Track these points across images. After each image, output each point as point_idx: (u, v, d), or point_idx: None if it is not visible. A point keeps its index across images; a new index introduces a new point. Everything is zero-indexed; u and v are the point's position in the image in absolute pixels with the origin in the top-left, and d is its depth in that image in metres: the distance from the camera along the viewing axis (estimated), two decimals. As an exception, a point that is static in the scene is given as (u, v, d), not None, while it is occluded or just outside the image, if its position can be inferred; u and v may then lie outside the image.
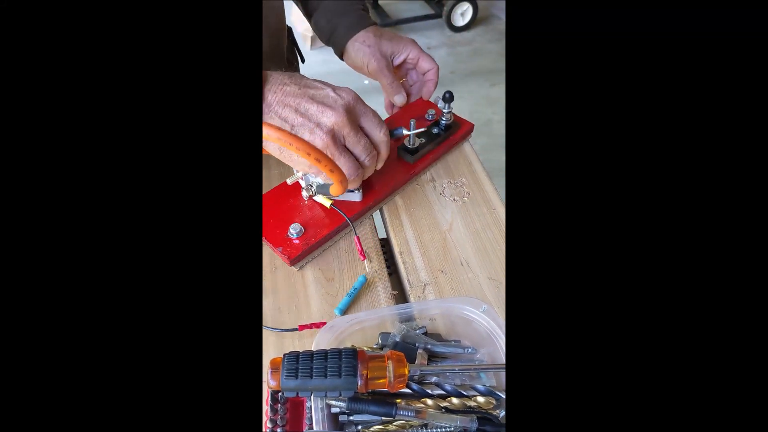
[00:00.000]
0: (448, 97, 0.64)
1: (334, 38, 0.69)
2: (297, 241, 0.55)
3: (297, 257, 0.54)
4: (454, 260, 0.56)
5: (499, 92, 2.44)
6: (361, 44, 0.66)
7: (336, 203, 0.58)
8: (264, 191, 0.61)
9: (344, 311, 0.51)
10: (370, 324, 0.48)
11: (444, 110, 0.66)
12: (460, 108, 2.67)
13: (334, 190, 0.50)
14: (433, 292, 0.52)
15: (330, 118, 0.45)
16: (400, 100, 0.69)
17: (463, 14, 2.90)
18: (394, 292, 0.53)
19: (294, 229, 0.55)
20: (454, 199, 0.63)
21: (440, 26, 2.96)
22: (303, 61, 0.84)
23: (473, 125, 0.70)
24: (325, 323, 0.49)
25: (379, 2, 2.96)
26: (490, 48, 2.80)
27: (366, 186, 0.61)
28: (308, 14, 0.73)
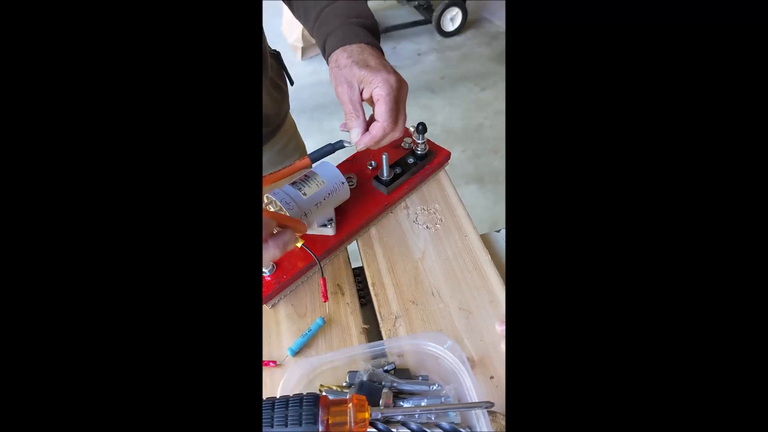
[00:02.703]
0: (421, 129, 0.64)
1: (325, 54, 0.62)
2: (269, 278, 0.55)
3: (269, 295, 0.55)
4: (425, 290, 0.56)
5: (489, 96, 2.44)
6: (333, 63, 0.59)
7: (310, 238, 0.59)
8: None
9: (296, 353, 0.51)
10: (340, 363, 0.48)
11: (418, 140, 0.66)
12: (450, 114, 2.61)
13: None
14: (404, 325, 0.53)
15: None
16: (353, 135, 0.57)
17: (452, 19, 2.91)
18: (366, 326, 0.54)
19: (266, 267, 0.55)
20: (427, 227, 0.63)
21: (430, 32, 2.96)
22: (292, 83, 0.84)
23: (449, 153, 0.70)
24: (274, 362, 0.50)
25: (368, 10, 2.97)
26: (480, 52, 2.80)
27: (340, 219, 0.61)
28: (310, 29, 0.65)
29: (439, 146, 0.71)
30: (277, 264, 0.56)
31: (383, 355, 0.49)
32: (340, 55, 0.58)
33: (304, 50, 2.75)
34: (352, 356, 0.48)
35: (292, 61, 2.73)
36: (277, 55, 0.79)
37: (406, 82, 0.57)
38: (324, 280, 0.56)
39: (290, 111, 0.87)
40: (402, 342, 0.48)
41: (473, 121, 2.29)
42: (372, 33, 0.60)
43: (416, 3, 3.02)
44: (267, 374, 0.50)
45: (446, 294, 0.56)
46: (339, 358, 0.47)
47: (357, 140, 0.57)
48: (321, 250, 0.59)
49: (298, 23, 0.75)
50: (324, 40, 0.61)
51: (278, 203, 0.54)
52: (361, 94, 0.56)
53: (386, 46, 2.91)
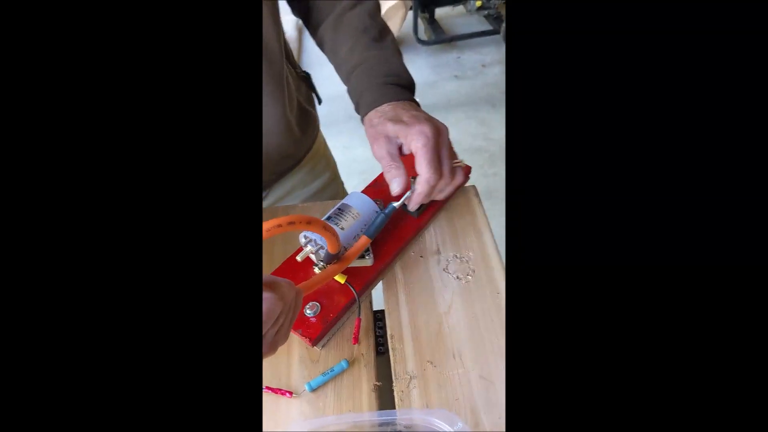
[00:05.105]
0: None
1: (360, 114, 0.64)
2: (314, 320, 0.53)
3: (318, 337, 0.52)
4: (446, 350, 0.52)
5: (552, 115, 2.34)
6: (368, 124, 0.59)
7: (348, 271, 0.56)
8: (270, 271, 0.59)
9: (315, 389, 0.50)
10: (345, 426, 0.46)
11: None
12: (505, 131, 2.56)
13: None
14: (418, 387, 0.50)
15: None
16: (394, 188, 0.56)
17: (521, 31, 2.81)
18: (378, 384, 0.51)
19: (311, 309, 0.53)
20: (457, 277, 0.59)
21: (497, 42, 2.88)
22: (320, 102, 0.83)
23: (470, 167, 0.66)
24: (291, 393, 0.49)
25: (436, 17, 2.92)
26: (548, 67, 2.69)
27: (375, 248, 0.58)
28: (345, 83, 0.66)
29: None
30: (320, 304, 0.54)
31: (391, 423, 0.46)
32: (373, 116, 0.59)
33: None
34: (356, 423, 0.45)
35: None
36: (307, 78, 0.78)
37: (444, 128, 0.55)
38: (359, 320, 0.54)
39: (323, 125, 0.86)
40: (412, 415, 0.45)
41: (532, 141, 2.20)
42: (405, 88, 0.61)
43: (486, 12, 2.94)
44: (283, 402, 0.49)
45: (468, 358, 0.51)
46: (343, 422, 0.45)
47: (397, 192, 0.56)
48: (361, 283, 0.56)
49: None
50: (357, 102, 0.62)
51: (318, 243, 0.52)
52: (400, 149, 0.57)
53: (450, 55, 2.86)
